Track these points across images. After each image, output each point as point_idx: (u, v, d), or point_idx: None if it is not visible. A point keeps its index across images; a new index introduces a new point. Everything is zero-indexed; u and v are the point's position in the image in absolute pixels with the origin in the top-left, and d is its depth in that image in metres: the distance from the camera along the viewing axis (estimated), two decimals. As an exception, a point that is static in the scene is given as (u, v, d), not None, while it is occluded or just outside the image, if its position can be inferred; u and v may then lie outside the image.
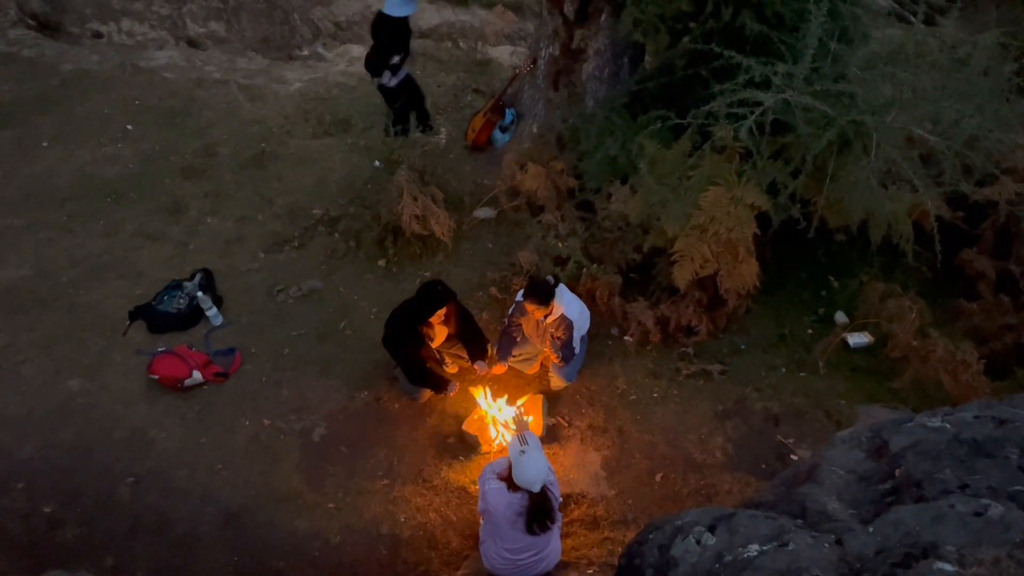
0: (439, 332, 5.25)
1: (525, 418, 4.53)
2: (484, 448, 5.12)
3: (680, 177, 5.26)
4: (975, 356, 4.85)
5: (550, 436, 5.19)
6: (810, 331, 5.76)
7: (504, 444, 4.91)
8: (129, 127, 7.74)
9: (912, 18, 5.50)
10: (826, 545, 2.38)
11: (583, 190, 6.11)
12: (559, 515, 4.23)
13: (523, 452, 3.94)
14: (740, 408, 5.29)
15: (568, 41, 6.30)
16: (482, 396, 5.22)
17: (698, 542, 2.60)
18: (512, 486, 3.96)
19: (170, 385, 5.50)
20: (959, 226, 5.47)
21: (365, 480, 5.06)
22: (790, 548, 2.37)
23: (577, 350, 5.13)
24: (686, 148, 5.30)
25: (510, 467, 3.96)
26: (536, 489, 3.92)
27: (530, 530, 3.97)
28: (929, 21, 5.48)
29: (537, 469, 3.91)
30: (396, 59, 6.77)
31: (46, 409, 5.49)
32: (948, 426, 2.91)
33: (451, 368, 5.52)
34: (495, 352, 5.41)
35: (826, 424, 5.05)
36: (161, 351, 5.64)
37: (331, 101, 8.13)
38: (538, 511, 3.96)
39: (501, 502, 3.98)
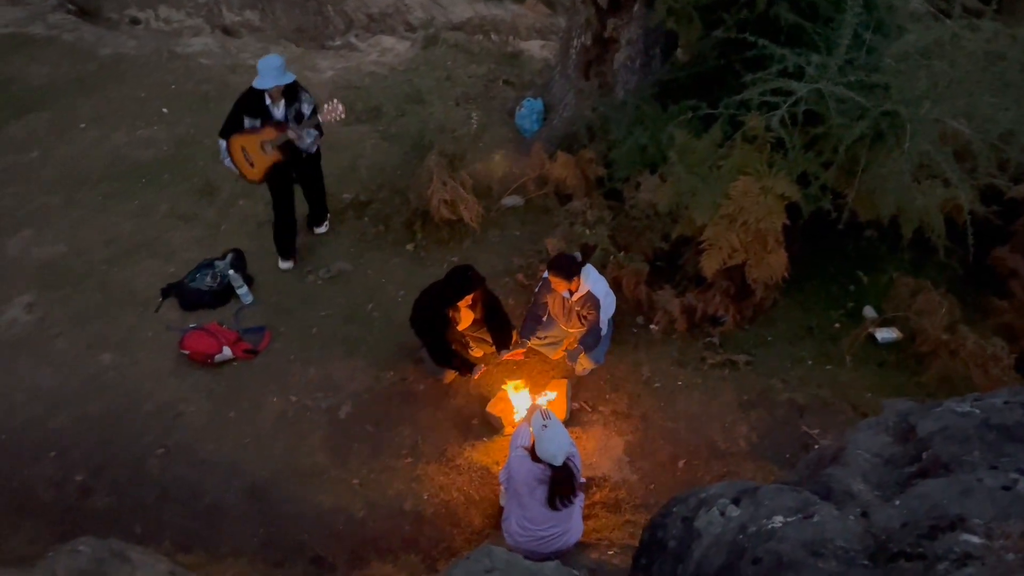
0: (465, 316, 5.29)
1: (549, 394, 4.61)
2: (508, 430, 5.15)
3: (710, 166, 5.25)
4: (1006, 350, 4.81)
5: (573, 420, 5.21)
6: (837, 325, 5.72)
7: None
8: (164, 111, 7.86)
9: (947, 20, 5.45)
10: (851, 518, 2.38)
11: (612, 179, 6.11)
12: (581, 494, 4.26)
13: (545, 426, 4.02)
14: (765, 398, 5.27)
15: (600, 30, 6.32)
16: (511, 390, 5.26)
17: (722, 514, 2.61)
18: (535, 457, 4.02)
19: (200, 361, 5.59)
20: (992, 222, 5.40)
21: (389, 458, 5.11)
22: (815, 520, 2.37)
23: (604, 331, 5.14)
24: (717, 138, 5.30)
25: (533, 440, 4.02)
26: (558, 462, 3.96)
27: (552, 504, 4.01)
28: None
29: (559, 443, 3.97)
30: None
31: (79, 382, 5.60)
32: (977, 411, 2.89)
33: (476, 352, 5.56)
34: (518, 334, 5.44)
35: (852, 416, 5.01)
36: (192, 327, 5.73)
37: (363, 90, 8.19)
38: (560, 485, 4.01)
39: (522, 469, 4.05)
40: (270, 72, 5.38)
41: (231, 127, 5.65)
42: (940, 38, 5.18)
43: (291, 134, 5.57)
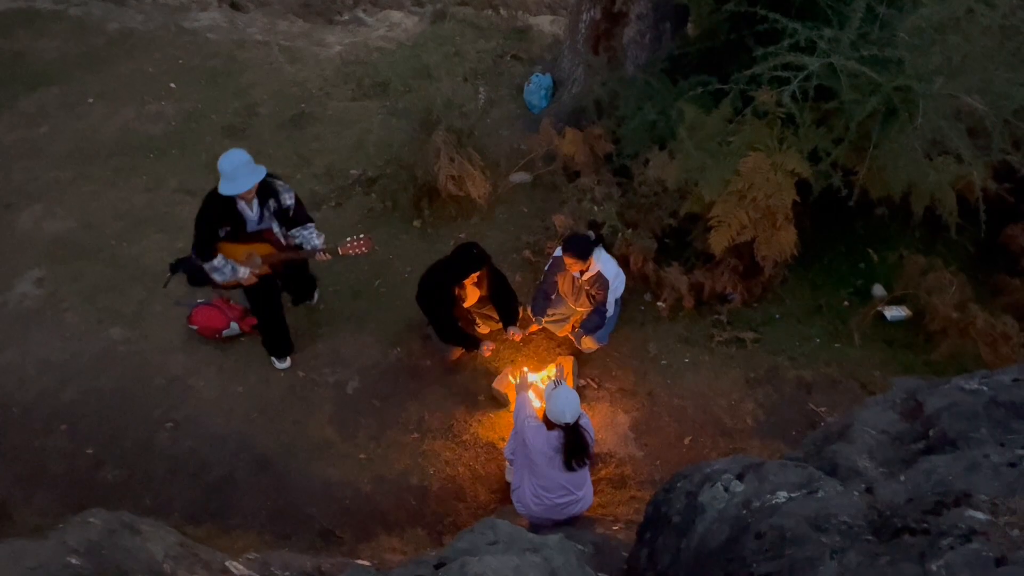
0: (471, 293, 5.28)
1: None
2: (513, 407, 5.16)
3: (720, 142, 5.21)
4: (1016, 329, 4.78)
5: (580, 397, 5.19)
6: (846, 303, 5.70)
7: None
8: (172, 86, 7.84)
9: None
10: (855, 493, 2.38)
11: (620, 155, 6.07)
12: (595, 456, 4.32)
13: (555, 387, 4.18)
14: (772, 376, 5.27)
15: (609, 4, 6.24)
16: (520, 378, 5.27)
17: (726, 489, 2.61)
18: (549, 424, 4.07)
19: (208, 335, 5.62)
20: (1005, 200, 5.35)
21: (396, 433, 5.15)
22: (819, 495, 2.37)
23: (610, 312, 5.15)
24: (727, 113, 5.25)
25: (542, 411, 4.06)
26: (569, 419, 4.01)
27: (568, 465, 4.07)
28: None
29: (567, 400, 4.04)
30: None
31: (89, 355, 5.64)
32: (985, 389, 2.88)
33: (482, 329, 5.56)
34: (529, 311, 5.44)
35: (860, 394, 5.01)
36: (200, 302, 5.75)
37: (370, 65, 8.15)
38: (574, 445, 4.08)
39: (540, 438, 4.10)
40: (239, 171, 4.51)
41: (206, 246, 4.79)
42: (955, 12, 5.10)
43: (320, 257, 4.90)
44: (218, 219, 4.71)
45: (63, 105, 7.64)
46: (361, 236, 4.96)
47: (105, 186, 6.84)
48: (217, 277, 4.92)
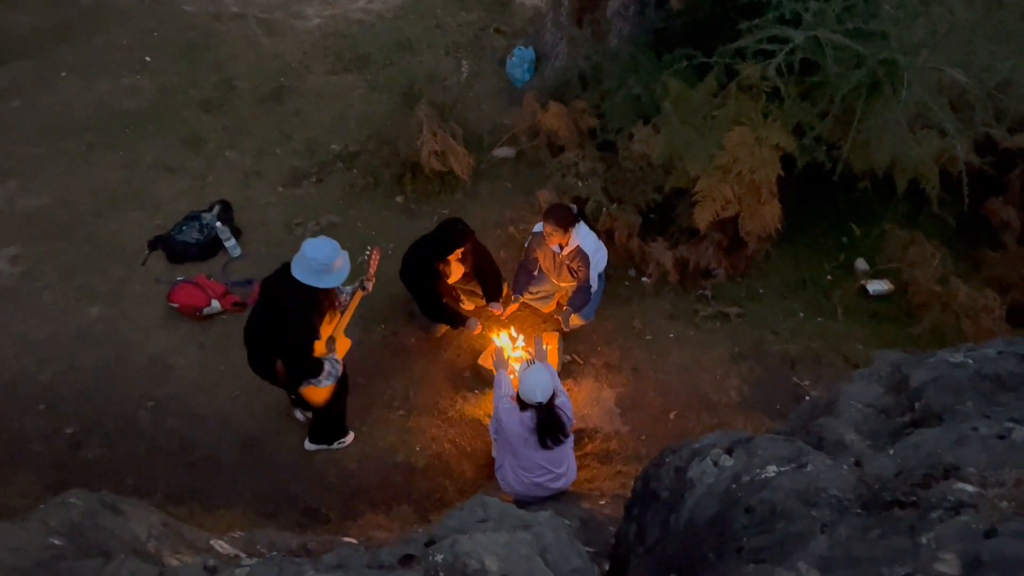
0: (455, 269, 5.24)
1: (544, 347, 4.63)
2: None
3: (704, 117, 5.19)
4: (998, 301, 4.82)
5: (565, 372, 5.22)
6: (829, 277, 5.72)
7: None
8: (147, 59, 7.68)
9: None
10: (845, 467, 2.38)
11: (605, 130, 6.03)
12: (571, 433, 4.28)
13: (527, 367, 4.13)
14: (757, 351, 5.29)
15: (594, -24, 6.17)
16: (504, 337, 5.25)
17: (715, 464, 2.61)
18: (522, 405, 4.04)
19: (189, 313, 5.55)
20: (987, 173, 5.37)
21: (382, 410, 5.12)
22: (808, 469, 2.37)
23: (595, 288, 5.13)
24: (712, 87, 5.22)
25: (517, 389, 4.05)
26: (540, 399, 3.96)
27: (543, 443, 4.04)
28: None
29: (537, 379, 3.98)
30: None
31: (67, 335, 5.56)
32: (971, 361, 2.88)
33: (467, 305, 5.53)
34: (511, 288, 5.41)
35: (843, 368, 5.04)
36: (180, 280, 5.67)
37: (350, 37, 8.02)
38: (547, 424, 4.03)
39: (513, 419, 4.06)
40: (335, 262, 4.07)
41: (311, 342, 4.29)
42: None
43: (361, 295, 4.57)
44: (318, 311, 4.27)
45: (36, 79, 7.47)
46: (368, 250, 4.60)
47: (80, 162, 6.71)
48: (327, 383, 4.45)
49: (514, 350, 5.19)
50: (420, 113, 6.16)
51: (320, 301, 4.17)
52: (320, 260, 3.98)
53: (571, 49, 6.59)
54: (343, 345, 4.58)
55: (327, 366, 4.35)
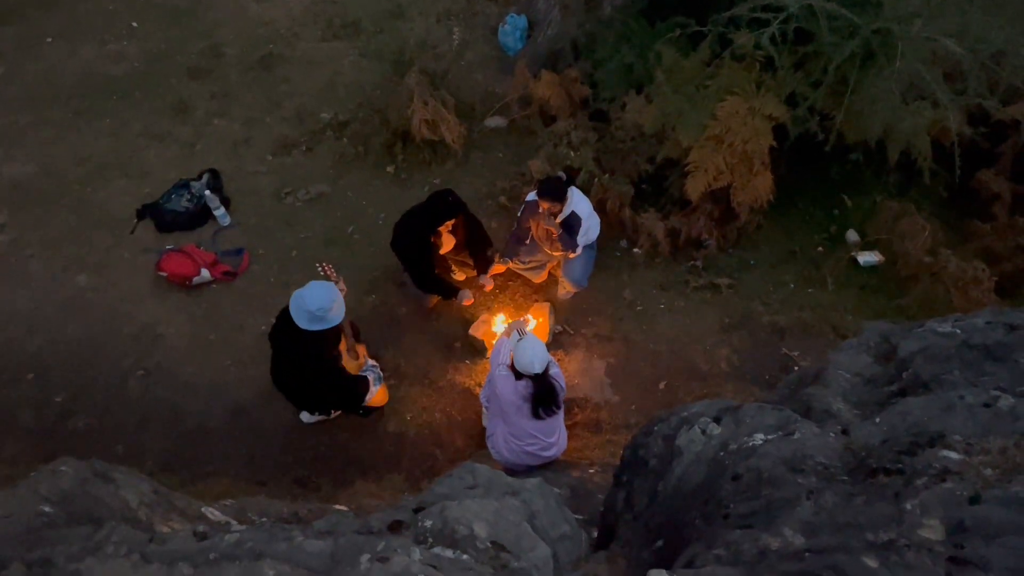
0: (447, 240, 5.22)
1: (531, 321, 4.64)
2: (490, 353, 5.16)
3: (697, 86, 5.14)
4: (987, 273, 4.83)
5: (555, 343, 5.23)
6: (820, 249, 5.73)
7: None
8: (134, 24, 7.55)
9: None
10: (832, 435, 2.40)
11: (597, 99, 5.97)
12: (563, 404, 4.30)
13: (521, 339, 4.11)
14: (747, 321, 5.31)
15: (586, -58, 6.09)
16: (499, 321, 5.25)
17: (703, 432, 2.62)
18: (517, 374, 4.06)
19: (178, 283, 5.52)
20: (978, 144, 5.35)
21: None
22: (795, 437, 2.38)
23: (579, 243, 5.05)
24: (705, 56, 5.16)
25: (513, 358, 4.05)
26: (537, 369, 3.99)
27: (535, 414, 4.06)
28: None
29: (535, 350, 4.00)
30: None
31: (55, 304, 5.53)
32: (958, 331, 2.90)
33: (458, 276, 5.52)
34: (500, 253, 5.39)
35: (832, 339, 5.06)
36: (169, 249, 5.64)
37: (340, 4, 7.88)
38: (542, 395, 4.06)
39: (508, 387, 4.08)
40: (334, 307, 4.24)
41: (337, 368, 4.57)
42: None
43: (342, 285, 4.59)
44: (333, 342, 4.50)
45: (20, 45, 7.35)
46: (319, 266, 4.64)
47: (66, 130, 6.63)
48: (377, 387, 4.81)
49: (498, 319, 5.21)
50: (411, 81, 6.09)
51: (328, 336, 4.36)
52: (322, 307, 4.16)
53: (564, 17, 6.51)
54: (360, 349, 4.87)
55: (370, 376, 4.70)
